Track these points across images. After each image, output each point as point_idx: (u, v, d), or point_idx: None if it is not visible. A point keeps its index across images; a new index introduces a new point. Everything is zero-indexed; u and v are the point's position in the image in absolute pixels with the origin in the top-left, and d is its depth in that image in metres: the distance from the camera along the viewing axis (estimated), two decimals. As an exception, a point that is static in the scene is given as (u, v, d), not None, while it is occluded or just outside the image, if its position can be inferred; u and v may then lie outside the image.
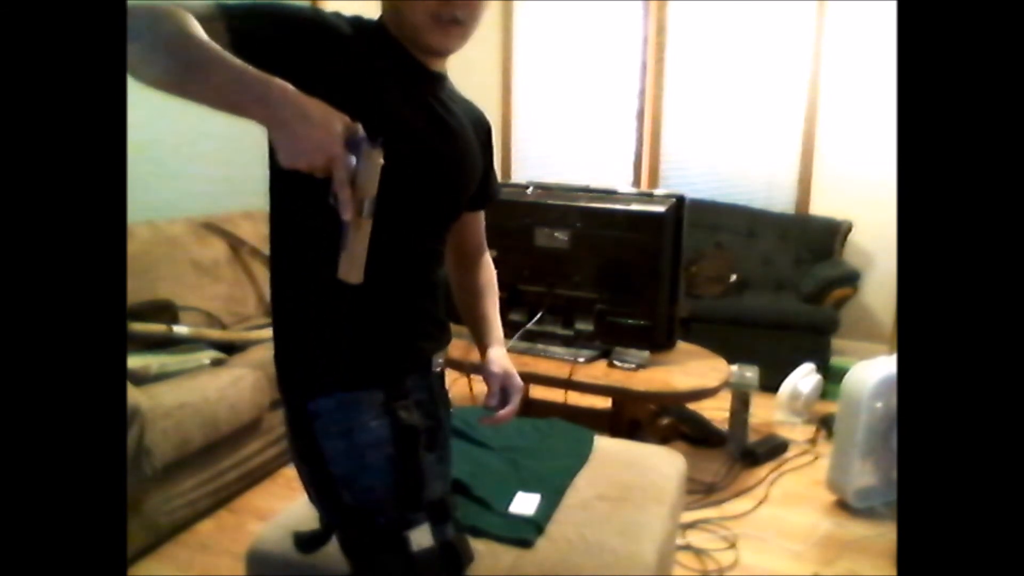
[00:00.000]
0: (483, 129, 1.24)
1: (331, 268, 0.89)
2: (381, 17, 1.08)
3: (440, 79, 1.12)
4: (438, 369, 1.21)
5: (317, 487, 1.08)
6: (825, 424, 3.02)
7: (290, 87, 0.84)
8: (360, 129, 0.86)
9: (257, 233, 3.22)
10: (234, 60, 0.83)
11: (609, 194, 2.61)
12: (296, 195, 1.04)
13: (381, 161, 0.86)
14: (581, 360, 2.52)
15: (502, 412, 1.23)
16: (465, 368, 2.34)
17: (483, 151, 1.23)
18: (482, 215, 1.35)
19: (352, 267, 0.87)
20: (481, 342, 1.32)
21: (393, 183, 0.91)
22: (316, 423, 1.04)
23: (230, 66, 0.83)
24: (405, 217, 1.06)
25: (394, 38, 1.06)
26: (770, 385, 3.18)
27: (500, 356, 1.28)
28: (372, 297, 1.03)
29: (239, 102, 0.83)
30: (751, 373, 2.87)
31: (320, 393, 1.05)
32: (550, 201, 2.60)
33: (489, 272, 1.38)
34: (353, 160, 0.84)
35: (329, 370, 1.06)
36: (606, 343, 2.61)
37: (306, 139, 0.81)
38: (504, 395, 1.25)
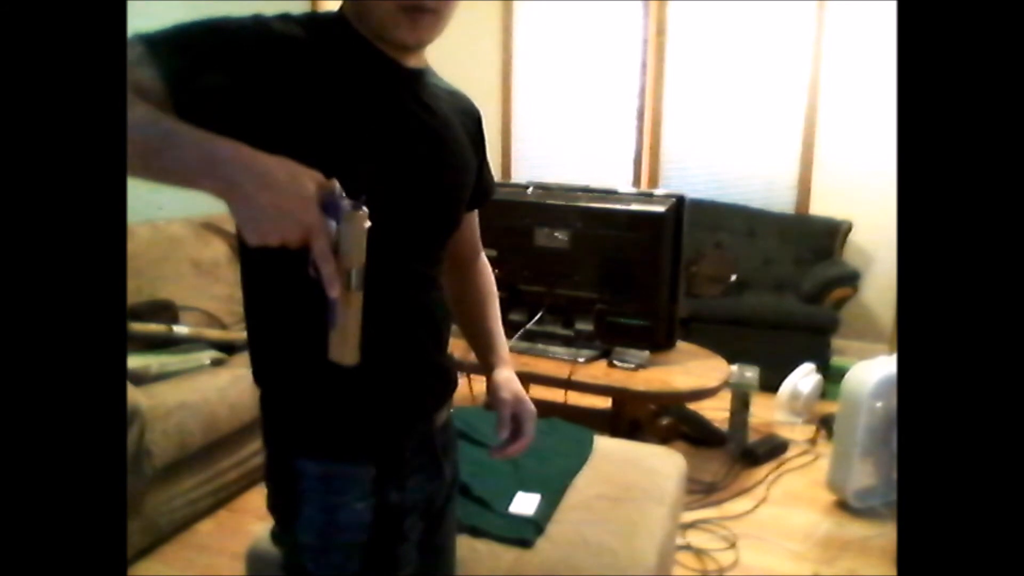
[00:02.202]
0: (473, 120, 1.09)
1: (315, 341, 0.77)
2: (340, 9, 0.92)
3: (417, 76, 0.97)
4: (441, 424, 1.07)
5: (282, 540, 0.99)
6: (825, 424, 3.02)
7: (241, 147, 0.69)
8: (337, 186, 0.72)
9: (257, 233, 3.21)
10: (169, 124, 0.69)
11: (609, 194, 2.61)
12: (269, 269, 0.90)
13: (367, 224, 0.73)
14: (581, 360, 2.52)
15: (515, 446, 1.13)
16: (465, 368, 2.34)
17: (475, 147, 1.08)
18: (475, 215, 1.20)
19: (345, 347, 0.76)
20: (485, 360, 1.19)
21: (382, 207, 0.78)
22: (300, 484, 0.93)
23: (165, 134, 0.69)
24: (397, 243, 0.91)
25: (359, 35, 0.91)
26: (770, 385, 3.18)
27: (509, 380, 1.15)
28: (367, 345, 0.82)
29: (185, 174, 0.69)
30: (751, 373, 2.87)
31: (308, 455, 0.93)
32: (550, 201, 2.60)
33: (487, 278, 1.23)
34: (333, 225, 0.71)
35: (319, 431, 0.94)
36: (606, 343, 2.61)
37: (274, 210, 0.68)
38: (516, 423, 1.13)
